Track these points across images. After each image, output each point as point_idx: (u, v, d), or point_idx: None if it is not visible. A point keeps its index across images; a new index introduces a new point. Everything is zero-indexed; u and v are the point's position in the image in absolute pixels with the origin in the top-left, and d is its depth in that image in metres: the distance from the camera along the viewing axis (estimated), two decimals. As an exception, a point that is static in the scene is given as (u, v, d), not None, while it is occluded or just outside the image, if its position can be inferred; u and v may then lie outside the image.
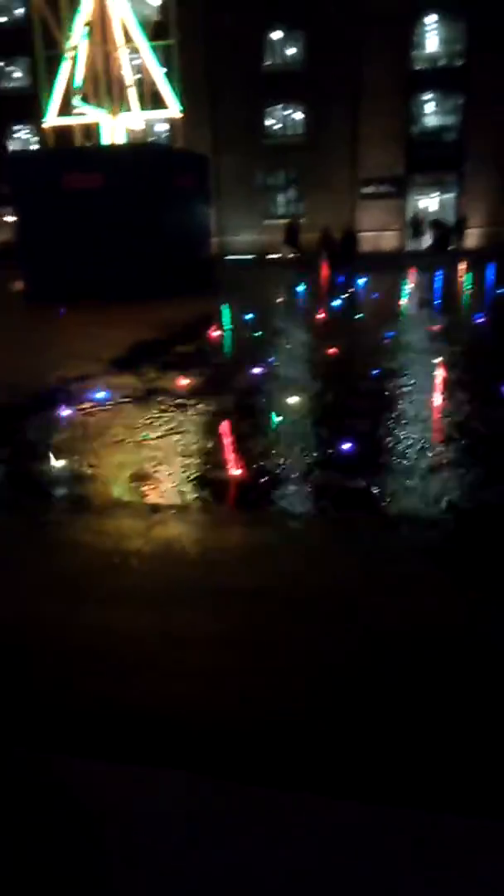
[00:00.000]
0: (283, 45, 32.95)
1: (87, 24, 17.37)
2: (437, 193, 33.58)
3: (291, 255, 26.04)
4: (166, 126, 32.29)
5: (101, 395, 6.83)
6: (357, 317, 12.29)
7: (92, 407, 6.53)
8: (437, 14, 31.17)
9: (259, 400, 6.61)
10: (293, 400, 6.46)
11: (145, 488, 4.54)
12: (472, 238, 31.13)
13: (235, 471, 4.65)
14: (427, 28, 31.70)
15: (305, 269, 19.19)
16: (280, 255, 27.64)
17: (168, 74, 18.90)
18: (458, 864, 1.71)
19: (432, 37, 31.88)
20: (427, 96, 32.62)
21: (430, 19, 31.47)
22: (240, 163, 32.65)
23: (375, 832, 1.81)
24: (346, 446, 5.05)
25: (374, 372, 7.46)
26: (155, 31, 20.96)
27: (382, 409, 6.06)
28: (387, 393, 6.67)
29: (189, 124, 26.87)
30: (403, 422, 5.73)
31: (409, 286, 14.03)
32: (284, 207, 34.48)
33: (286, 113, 33.78)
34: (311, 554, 3.61)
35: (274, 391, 6.88)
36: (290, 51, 32.90)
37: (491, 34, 29.13)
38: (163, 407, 6.46)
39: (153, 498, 4.37)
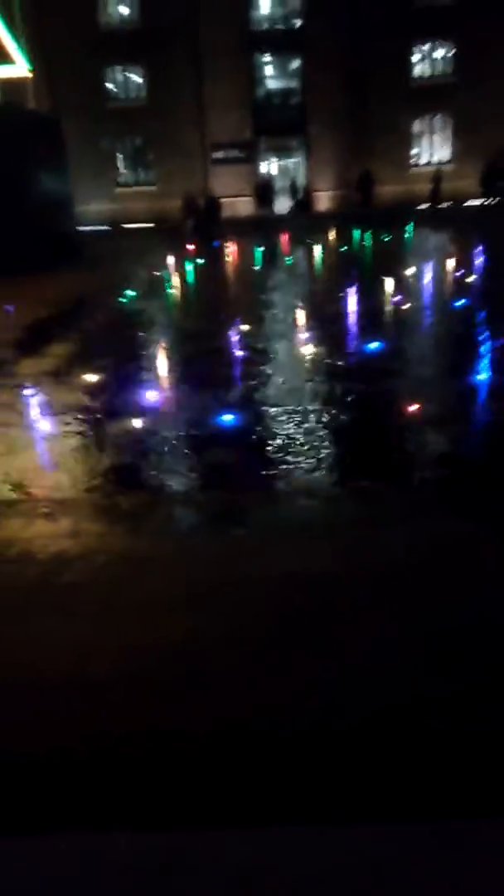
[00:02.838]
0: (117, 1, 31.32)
1: None
2: (284, 158, 33.68)
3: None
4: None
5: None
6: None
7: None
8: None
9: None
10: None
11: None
12: (322, 201, 31.71)
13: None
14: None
15: (172, 239, 18.59)
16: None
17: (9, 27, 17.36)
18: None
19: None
20: (268, 58, 32.44)
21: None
22: (84, 127, 30.80)
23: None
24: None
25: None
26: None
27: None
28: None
29: (26, 84, 25.02)
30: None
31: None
32: (135, 175, 33.27)
33: (129, 74, 32.28)
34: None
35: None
36: (125, 8, 31.32)
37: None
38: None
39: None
